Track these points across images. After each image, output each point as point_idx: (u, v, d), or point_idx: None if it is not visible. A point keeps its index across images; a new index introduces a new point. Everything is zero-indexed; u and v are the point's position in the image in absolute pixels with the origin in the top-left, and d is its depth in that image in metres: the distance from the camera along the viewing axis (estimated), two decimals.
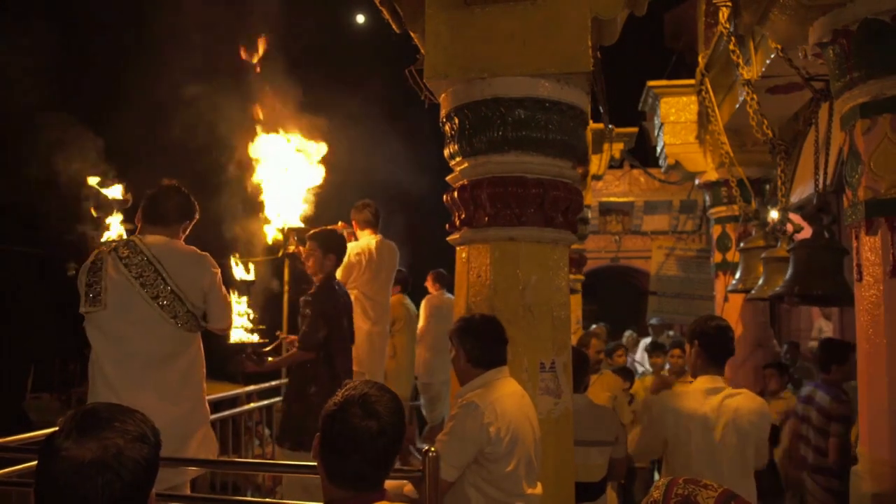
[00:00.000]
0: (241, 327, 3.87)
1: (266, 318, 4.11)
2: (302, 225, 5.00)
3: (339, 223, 4.93)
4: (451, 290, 6.66)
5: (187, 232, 3.28)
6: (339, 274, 4.70)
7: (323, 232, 4.31)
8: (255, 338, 3.91)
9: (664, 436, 3.11)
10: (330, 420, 1.61)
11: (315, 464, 1.66)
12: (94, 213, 3.93)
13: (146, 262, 2.99)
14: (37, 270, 19.24)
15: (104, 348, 2.96)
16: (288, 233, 4.88)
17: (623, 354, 6.83)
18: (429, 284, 7.12)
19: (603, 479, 3.70)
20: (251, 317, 3.92)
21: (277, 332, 4.36)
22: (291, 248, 4.75)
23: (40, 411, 15.62)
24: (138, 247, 3.02)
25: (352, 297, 4.80)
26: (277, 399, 5.20)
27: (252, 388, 5.45)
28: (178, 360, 3.06)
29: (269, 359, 4.00)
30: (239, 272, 3.91)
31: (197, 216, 3.29)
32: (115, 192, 4.02)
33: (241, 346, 3.82)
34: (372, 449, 1.58)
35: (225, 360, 3.86)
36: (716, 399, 3.02)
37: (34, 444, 3.25)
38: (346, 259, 4.85)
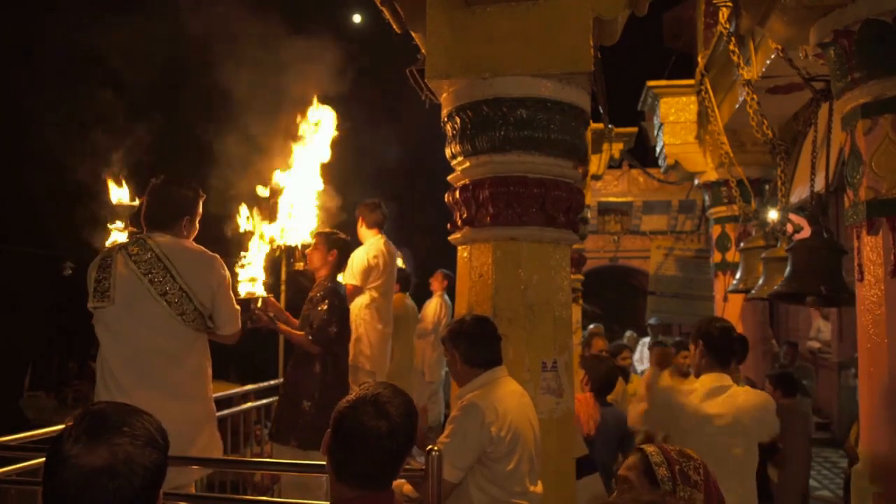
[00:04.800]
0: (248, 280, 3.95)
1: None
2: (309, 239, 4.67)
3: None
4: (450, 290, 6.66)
5: (194, 227, 3.23)
6: (356, 278, 4.73)
7: (328, 231, 4.32)
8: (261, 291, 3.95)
9: (665, 429, 3.14)
10: (341, 418, 1.62)
11: (315, 462, 1.66)
12: (109, 219, 4.02)
13: (155, 259, 2.99)
14: (35, 269, 19.22)
15: (111, 345, 2.95)
16: (291, 249, 4.63)
17: (628, 357, 6.76)
18: (435, 284, 7.11)
19: None
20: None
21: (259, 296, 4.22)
22: (301, 266, 4.59)
23: (37, 410, 15.60)
24: (147, 244, 3.03)
25: (367, 299, 4.84)
26: (275, 398, 5.17)
27: (250, 387, 5.43)
28: (187, 359, 3.05)
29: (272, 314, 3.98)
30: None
31: (198, 210, 3.23)
32: (122, 195, 4.10)
33: (248, 300, 3.83)
34: (380, 449, 1.59)
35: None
36: (721, 396, 3.03)
37: (33, 442, 3.25)
38: (364, 262, 4.85)
